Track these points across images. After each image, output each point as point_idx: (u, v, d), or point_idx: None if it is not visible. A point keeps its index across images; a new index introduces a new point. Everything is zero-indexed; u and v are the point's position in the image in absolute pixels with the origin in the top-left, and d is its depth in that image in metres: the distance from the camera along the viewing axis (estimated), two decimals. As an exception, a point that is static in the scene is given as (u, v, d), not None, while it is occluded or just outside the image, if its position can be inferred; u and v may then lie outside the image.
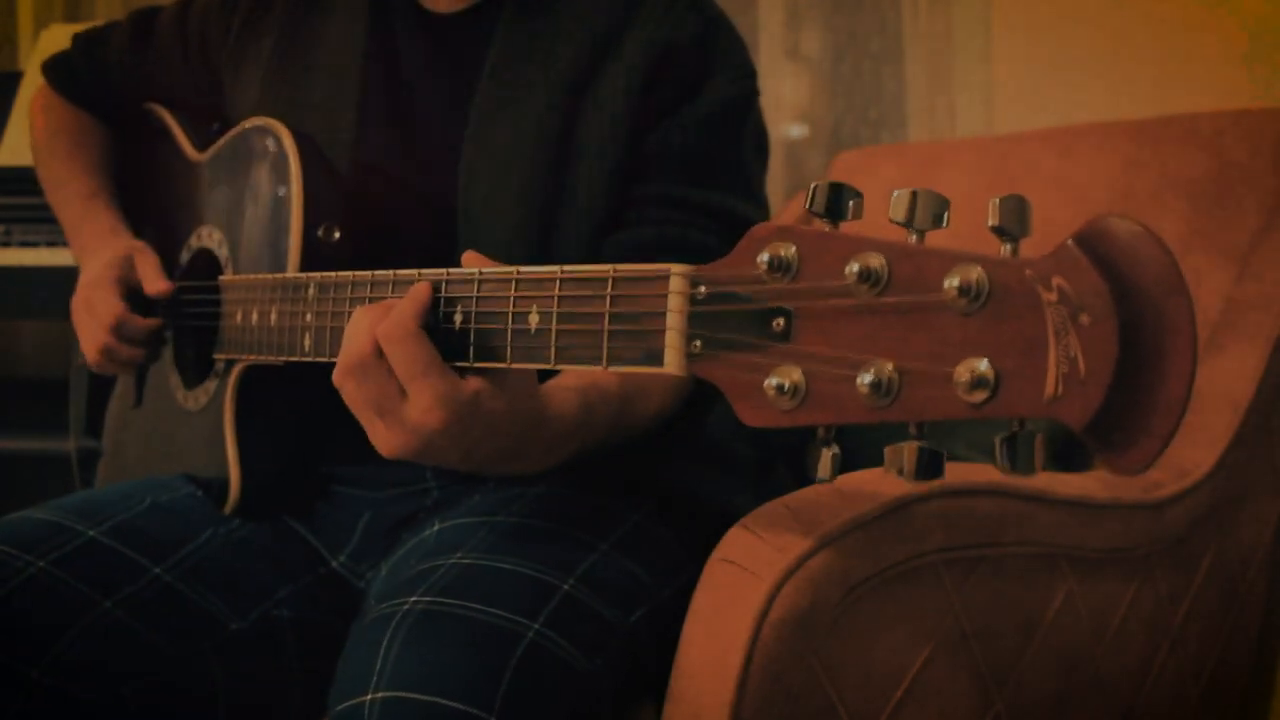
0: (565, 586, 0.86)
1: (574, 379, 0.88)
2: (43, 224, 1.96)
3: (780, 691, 0.81)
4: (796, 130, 2.38)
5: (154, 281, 1.11)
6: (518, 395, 0.76)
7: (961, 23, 2.11)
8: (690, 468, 1.06)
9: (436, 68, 1.10)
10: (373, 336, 0.73)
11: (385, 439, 0.75)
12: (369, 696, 0.77)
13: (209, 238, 1.13)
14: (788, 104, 2.37)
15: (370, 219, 1.03)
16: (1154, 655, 1.12)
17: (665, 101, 1.05)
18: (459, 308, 0.75)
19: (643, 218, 1.03)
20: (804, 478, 1.00)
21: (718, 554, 0.85)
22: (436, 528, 0.98)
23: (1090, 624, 1.04)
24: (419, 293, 0.75)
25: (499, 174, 1.02)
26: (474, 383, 0.73)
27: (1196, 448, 1.20)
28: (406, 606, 0.83)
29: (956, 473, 0.93)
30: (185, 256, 1.17)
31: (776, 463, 1.17)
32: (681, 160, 1.04)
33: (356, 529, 1.06)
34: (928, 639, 0.89)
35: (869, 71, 2.31)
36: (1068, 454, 1.36)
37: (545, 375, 0.86)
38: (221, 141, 1.15)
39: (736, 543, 0.85)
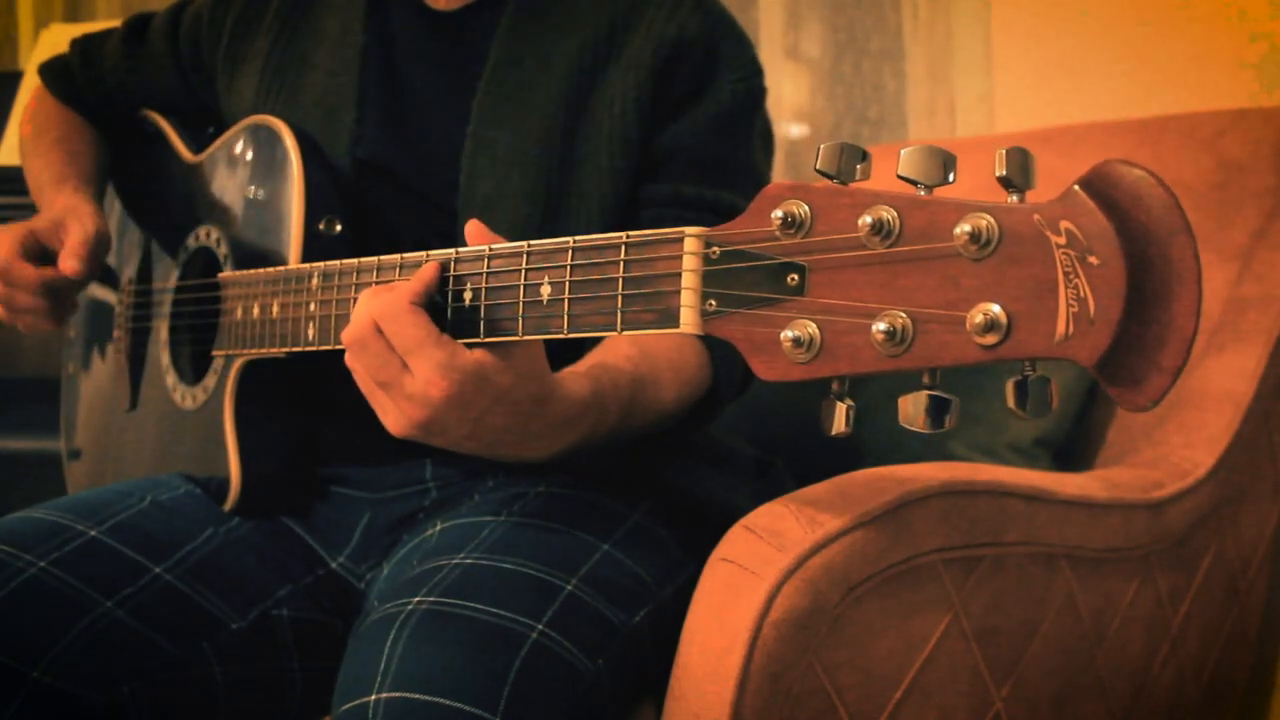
0: (568, 587, 0.86)
1: (584, 363, 0.88)
2: (43, 224, 1.96)
3: (780, 691, 0.81)
4: (796, 130, 2.38)
5: (68, 257, 1.06)
6: (524, 372, 0.76)
7: (961, 23, 2.11)
8: (690, 467, 1.06)
9: (437, 65, 1.09)
10: (370, 314, 0.74)
11: (393, 415, 0.76)
12: (373, 697, 0.77)
13: (206, 237, 1.13)
14: (788, 104, 2.36)
15: (369, 215, 1.03)
16: (1154, 655, 1.12)
17: (674, 101, 1.05)
18: (469, 284, 0.76)
19: (654, 216, 1.03)
20: (804, 478, 1.01)
21: (718, 553, 0.85)
22: (438, 528, 0.98)
23: (1090, 624, 1.04)
24: (424, 273, 0.76)
25: (502, 174, 1.02)
26: (477, 354, 0.74)
27: (1196, 448, 1.20)
28: (410, 607, 0.83)
29: (956, 473, 0.93)
30: (183, 257, 1.17)
31: (776, 462, 1.17)
32: (692, 160, 1.04)
33: (356, 530, 1.06)
34: (928, 639, 0.89)
35: (869, 71, 2.30)
36: (1068, 454, 1.36)
37: (560, 364, 0.86)
38: (219, 141, 1.15)
39: (737, 542, 0.85)
